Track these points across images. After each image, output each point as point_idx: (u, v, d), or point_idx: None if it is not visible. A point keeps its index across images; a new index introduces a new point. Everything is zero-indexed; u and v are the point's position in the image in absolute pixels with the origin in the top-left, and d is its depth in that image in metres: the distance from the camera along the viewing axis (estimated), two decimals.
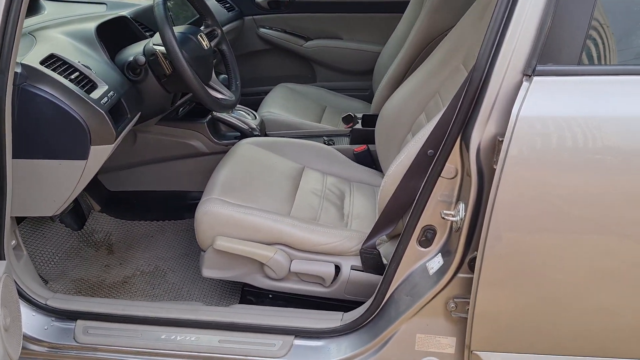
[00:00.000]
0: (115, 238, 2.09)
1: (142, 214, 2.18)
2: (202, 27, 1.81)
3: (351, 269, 1.53)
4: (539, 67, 1.06)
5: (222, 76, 2.10)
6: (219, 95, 1.67)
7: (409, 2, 2.53)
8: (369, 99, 2.98)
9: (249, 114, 2.23)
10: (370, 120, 2.18)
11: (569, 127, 1.05)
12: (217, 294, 1.82)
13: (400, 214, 1.44)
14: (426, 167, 1.28)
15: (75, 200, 1.95)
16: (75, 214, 2.08)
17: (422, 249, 1.34)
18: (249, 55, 3.05)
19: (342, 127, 2.36)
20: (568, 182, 1.08)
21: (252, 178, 1.74)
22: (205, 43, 1.64)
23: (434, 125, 1.29)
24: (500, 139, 1.08)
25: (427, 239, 1.33)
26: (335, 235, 1.54)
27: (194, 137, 2.10)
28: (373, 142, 2.01)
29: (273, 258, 1.52)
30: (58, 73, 1.37)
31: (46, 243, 1.95)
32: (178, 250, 2.05)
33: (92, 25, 1.71)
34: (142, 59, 1.57)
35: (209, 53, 1.65)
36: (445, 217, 1.24)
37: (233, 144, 2.10)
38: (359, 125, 2.14)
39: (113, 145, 1.42)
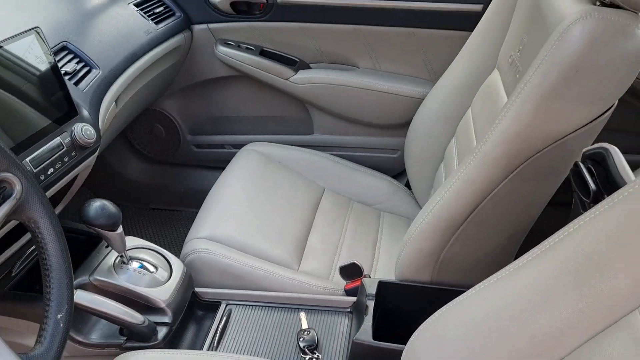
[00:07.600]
0: None
1: None
2: None
3: None
4: None
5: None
6: None
7: (482, 14, 1.35)
8: (396, 165, 1.84)
9: (155, 266, 1.13)
10: (390, 295, 1.07)
11: None
12: None
13: None
14: None
15: None
16: None
17: None
18: (203, 86, 1.86)
19: (342, 281, 1.24)
20: None
21: None
22: None
23: None
24: None
25: None
26: None
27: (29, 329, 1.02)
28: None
29: None
30: None
31: None
32: None
33: None
34: None
35: None
36: None
37: (112, 348, 1.04)
38: (368, 320, 0.99)
39: None
